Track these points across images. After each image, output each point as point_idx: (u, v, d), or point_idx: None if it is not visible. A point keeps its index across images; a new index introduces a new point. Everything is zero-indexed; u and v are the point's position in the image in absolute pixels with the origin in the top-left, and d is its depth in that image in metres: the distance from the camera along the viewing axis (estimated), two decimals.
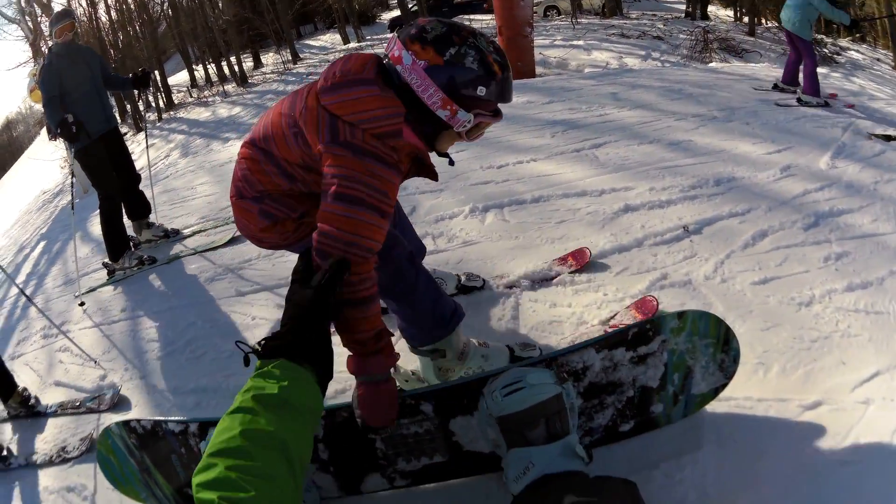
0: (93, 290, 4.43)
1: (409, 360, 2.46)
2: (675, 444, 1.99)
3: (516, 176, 4.32)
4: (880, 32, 19.35)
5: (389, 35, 22.89)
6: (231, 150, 7.74)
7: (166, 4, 25.23)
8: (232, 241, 4.42)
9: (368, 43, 21.69)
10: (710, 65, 10.46)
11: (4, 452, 2.91)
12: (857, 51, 16.51)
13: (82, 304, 4.22)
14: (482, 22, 18.40)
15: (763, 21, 18.29)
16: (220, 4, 25.73)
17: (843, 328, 2.59)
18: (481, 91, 1.66)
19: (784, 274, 2.93)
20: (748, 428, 2.05)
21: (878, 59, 15.65)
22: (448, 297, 2.26)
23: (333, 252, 1.60)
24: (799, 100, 6.50)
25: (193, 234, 4.95)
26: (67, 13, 4.73)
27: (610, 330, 2.47)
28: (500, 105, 1.76)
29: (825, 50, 13.78)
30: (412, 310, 2.14)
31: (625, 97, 5.98)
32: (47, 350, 3.77)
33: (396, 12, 24.17)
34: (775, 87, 7.13)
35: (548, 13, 22.30)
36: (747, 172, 4.07)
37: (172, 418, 2.05)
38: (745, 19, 17.72)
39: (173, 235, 5.04)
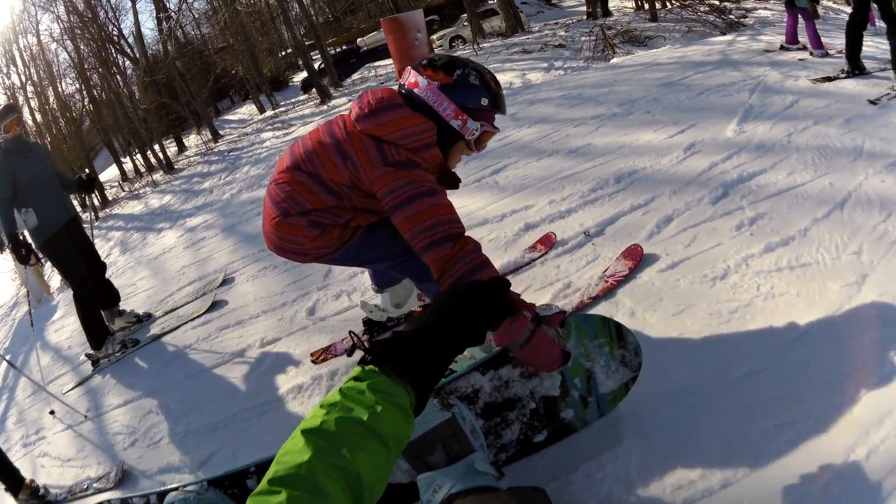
0: (80, 384, 4.75)
1: None
2: (595, 445, 2.11)
3: None
4: None
5: (302, 96, 23.72)
6: (164, 240, 8.40)
7: (87, 100, 26.73)
8: (212, 308, 4.95)
9: (283, 109, 22.52)
10: (612, 61, 10.98)
11: None
12: (766, 8, 17.45)
13: (52, 412, 4.44)
14: (388, 67, 19.26)
15: (666, 4, 19.18)
16: (137, 94, 27.01)
17: (765, 291, 2.76)
18: (484, 101, 2.27)
19: (693, 253, 3.15)
20: (671, 415, 2.17)
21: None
22: None
23: (443, 235, 2.07)
24: (811, 53, 7.64)
25: (166, 313, 5.43)
26: (12, 108, 4.96)
27: (610, 280, 3.06)
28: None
29: (730, 16, 14.51)
30: (419, 265, 2.54)
31: (524, 115, 6.36)
32: (29, 457, 4.06)
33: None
34: (782, 47, 8.49)
35: (453, 43, 23.45)
36: (649, 162, 4.38)
37: (136, 493, 2.41)
38: (647, 6, 18.55)
39: (146, 319, 5.44)
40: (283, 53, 34.63)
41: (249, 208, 5.78)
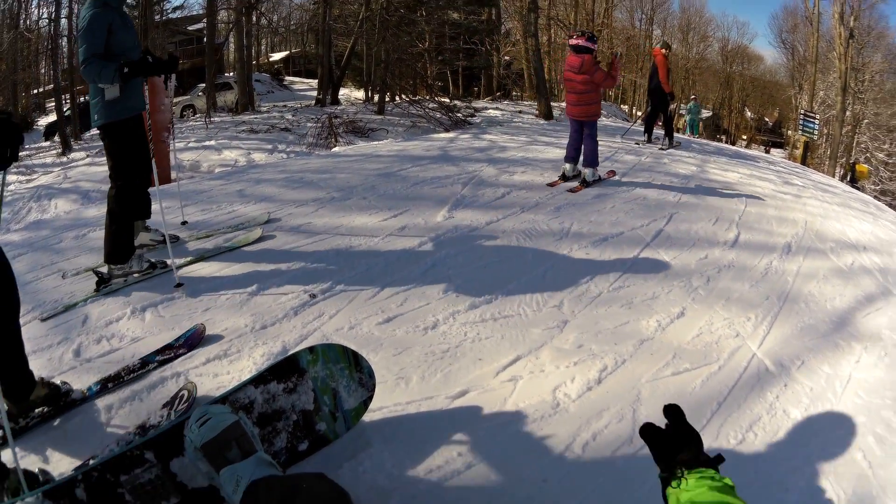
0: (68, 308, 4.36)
1: None
2: (350, 450, 2.87)
3: None
4: (528, 86, 28.01)
5: (45, 142, 22.06)
6: None
7: None
8: (259, 241, 5.42)
9: (26, 153, 20.45)
10: (334, 149, 12.17)
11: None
12: (497, 108, 20.07)
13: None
14: None
15: (396, 98, 21.13)
16: None
17: (472, 336, 3.87)
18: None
19: (406, 311, 4.18)
20: (407, 424, 3.07)
21: (521, 112, 19.22)
22: None
23: None
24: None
25: (198, 238, 5.62)
26: None
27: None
28: None
29: (458, 114, 16.46)
30: None
31: (250, 192, 7.02)
32: None
33: (53, 117, 23.59)
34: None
35: (184, 113, 23.78)
36: (364, 240, 5.42)
37: None
38: (377, 98, 20.30)
39: (173, 241, 5.26)
40: (36, 92, 32.03)
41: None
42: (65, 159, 16.47)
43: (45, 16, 25.60)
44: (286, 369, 2.77)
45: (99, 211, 6.44)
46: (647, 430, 1.90)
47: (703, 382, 3.52)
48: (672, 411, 1.91)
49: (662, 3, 40.99)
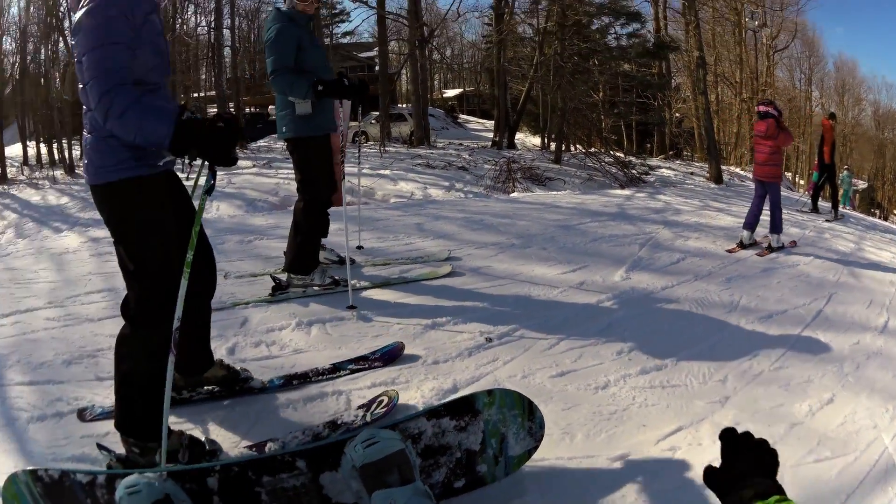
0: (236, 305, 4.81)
1: None
2: (504, 496, 2.92)
3: None
4: (698, 146, 27.42)
5: None
6: (66, 241, 7.78)
7: (17, 66, 26.48)
8: (448, 276, 5.70)
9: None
10: (513, 195, 12.49)
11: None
12: (669, 168, 19.87)
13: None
14: None
15: (570, 148, 21.29)
16: (64, 82, 26.44)
17: (640, 401, 3.84)
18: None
19: (580, 367, 4.20)
20: (565, 479, 3.09)
21: (692, 174, 18.96)
22: None
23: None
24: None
25: (374, 265, 5.97)
26: None
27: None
28: None
29: (633, 171, 16.40)
30: None
31: (428, 227, 7.34)
32: None
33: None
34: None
35: (356, 139, 24.72)
36: (543, 291, 5.53)
37: (81, 469, 2.57)
38: (553, 146, 20.52)
39: (352, 264, 5.46)
40: (196, 96, 34.26)
41: None
42: None
43: (204, 24, 27.68)
44: (461, 408, 2.86)
45: (265, 221, 6.87)
46: (708, 477, 1.51)
47: (840, 473, 3.36)
48: (726, 438, 1.53)
49: (819, 62, 39.56)
